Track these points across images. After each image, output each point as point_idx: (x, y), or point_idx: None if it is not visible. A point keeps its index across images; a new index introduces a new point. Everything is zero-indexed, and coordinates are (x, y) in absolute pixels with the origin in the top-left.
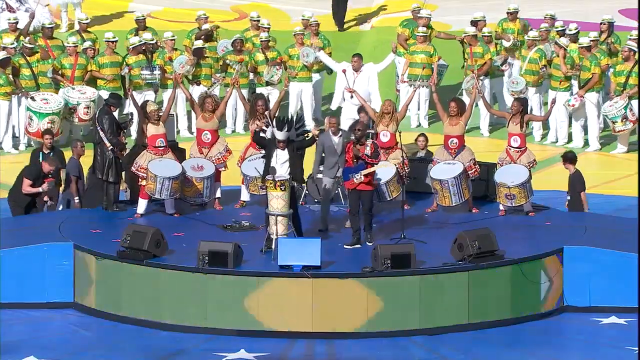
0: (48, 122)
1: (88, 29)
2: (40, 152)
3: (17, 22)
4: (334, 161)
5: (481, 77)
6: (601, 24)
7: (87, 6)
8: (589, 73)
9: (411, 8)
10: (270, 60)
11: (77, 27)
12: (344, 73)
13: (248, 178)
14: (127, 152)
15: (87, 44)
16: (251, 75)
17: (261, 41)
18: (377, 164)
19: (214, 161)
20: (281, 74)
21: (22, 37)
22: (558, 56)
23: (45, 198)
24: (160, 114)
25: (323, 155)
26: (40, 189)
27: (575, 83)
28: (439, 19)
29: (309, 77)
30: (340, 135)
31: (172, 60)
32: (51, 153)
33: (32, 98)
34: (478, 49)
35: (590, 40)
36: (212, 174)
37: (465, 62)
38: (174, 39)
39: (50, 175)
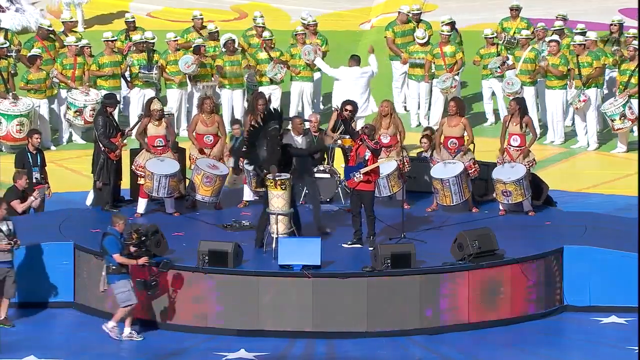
0: (17, 124)
1: (74, 29)
2: (28, 153)
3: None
4: (301, 162)
5: (456, 77)
6: (611, 24)
7: (88, 6)
8: (590, 69)
9: (398, 9)
10: (275, 59)
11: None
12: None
13: (251, 174)
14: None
15: (84, 42)
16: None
17: (265, 40)
18: (373, 163)
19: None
20: (284, 74)
21: None
22: (553, 55)
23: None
24: (165, 114)
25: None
26: (32, 198)
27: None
28: (439, 18)
29: (311, 77)
30: (305, 135)
31: (169, 61)
32: (37, 154)
33: None
34: (449, 48)
35: (589, 39)
36: (228, 172)
37: (434, 60)
38: (176, 40)
39: (37, 183)
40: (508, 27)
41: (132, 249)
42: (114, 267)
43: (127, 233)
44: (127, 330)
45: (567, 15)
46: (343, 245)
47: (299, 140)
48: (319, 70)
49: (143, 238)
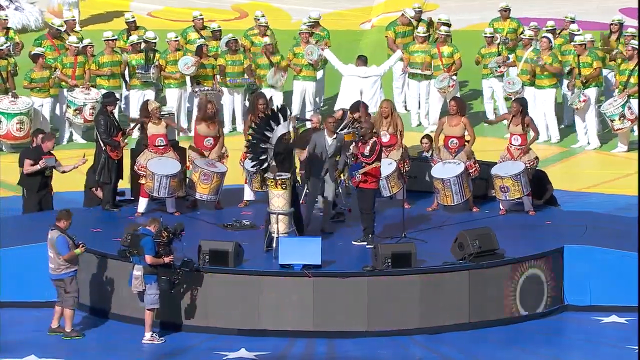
0: (17, 123)
1: (75, 29)
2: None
3: (7, 20)
4: (321, 161)
5: (453, 77)
6: (611, 24)
7: (88, 5)
8: (590, 69)
9: (400, 9)
10: (276, 64)
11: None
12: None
13: (251, 174)
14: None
15: (87, 41)
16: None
17: (265, 45)
18: (370, 164)
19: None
20: (284, 81)
21: None
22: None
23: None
24: (163, 112)
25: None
26: (38, 166)
27: (564, 81)
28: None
29: (313, 77)
30: (335, 138)
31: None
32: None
33: None
34: (447, 49)
35: (588, 40)
36: (226, 170)
37: (432, 61)
38: (177, 40)
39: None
40: (499, 27)
41: (162, 248)
42: (148, 268)
43: (157, 232)
44: (147, 334)
45: (575, 17)
46: (353, 242)
47: (329, 141)
48: (322, 69)
49: (171, 237)
